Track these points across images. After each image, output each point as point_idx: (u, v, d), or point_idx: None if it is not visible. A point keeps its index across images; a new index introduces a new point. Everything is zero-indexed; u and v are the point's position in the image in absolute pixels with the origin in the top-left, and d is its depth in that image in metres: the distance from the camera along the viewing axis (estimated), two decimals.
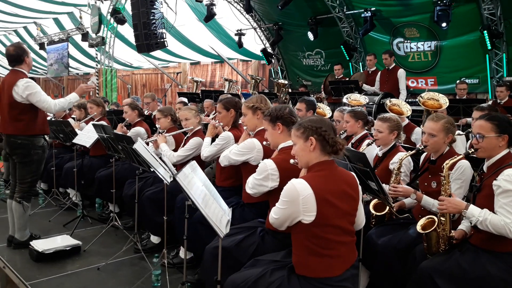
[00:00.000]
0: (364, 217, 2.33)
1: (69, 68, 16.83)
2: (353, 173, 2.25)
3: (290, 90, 9.50)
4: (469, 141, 3.37)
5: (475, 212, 2.29)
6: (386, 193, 2.53)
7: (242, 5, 11.62)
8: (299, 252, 2.09)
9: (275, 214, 2.12)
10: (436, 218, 2.43)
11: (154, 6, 10.24)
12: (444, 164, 2.48)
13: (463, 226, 2.54)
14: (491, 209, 2.29)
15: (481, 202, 2.37)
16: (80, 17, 14.26)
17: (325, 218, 2.01)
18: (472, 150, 2.48)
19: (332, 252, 2.04)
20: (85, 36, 13.90)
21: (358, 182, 2.22)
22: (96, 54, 13.93)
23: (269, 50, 12.42)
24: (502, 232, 2.22)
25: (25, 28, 17.62)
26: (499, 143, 2.39)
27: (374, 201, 2.87)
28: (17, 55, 3.78)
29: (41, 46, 16.63)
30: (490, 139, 2.39)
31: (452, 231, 2.48)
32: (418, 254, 2.54)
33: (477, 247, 2.37)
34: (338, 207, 2.05)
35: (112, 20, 12.23)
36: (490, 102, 6.73)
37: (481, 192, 2.41)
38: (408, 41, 9.39)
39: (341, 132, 3.84)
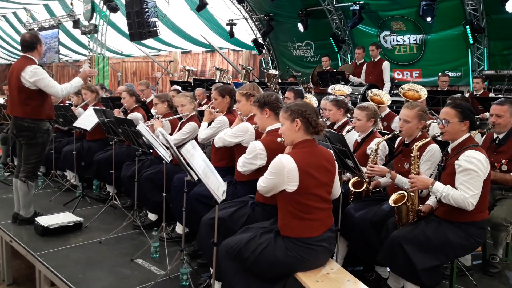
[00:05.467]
0: (340, 188, 2.68)
1: (59, 55, 16.80)
2: (331, 151, 2.57)
3: (279, 80, 9.76)
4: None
5: (439, 188, 2.63)
6: (361, 170, 2.85)
7: None
8: (284, 216, 2.44)
9: (263, 183, 2.45)
10: (406, 194, 2.76)
11: None
12: (414, 146, 2.81)
13: (430, 201, 2.87)
14: (454, 185, 2.63)
15: (445, 179, 2.70)
16: (71, 4, 14.24)
17: (306, 188, 2.35)
18: (439, 133, 2.81)
19: (312, 216, 2.39)
20: (76, 23, 13.89)
21: (335, 158, 2.54)
22: (89, 42, 13.97)
23: (260, 40, 12.61)
24: (462, 205, 2.56)
25: (15, 13, 17.48)
26: (462, 128, 2.73)
27: (353, 179, 3.18)
28: (31, 42, 3.96)
29: None
30: (454, 124, 2.73)
31: (421, 206, 2.81)
32: (390, 226, 2.87)
33: (440, 218, 2.71)
34: (317, 178, 2.39)
35: (104, 8, 12.29)
36: (467, 94, 7.10)
37: (445, 171, 2.74)
38: (395, 34, 9.68)
39: (325, 119, 4.14)
